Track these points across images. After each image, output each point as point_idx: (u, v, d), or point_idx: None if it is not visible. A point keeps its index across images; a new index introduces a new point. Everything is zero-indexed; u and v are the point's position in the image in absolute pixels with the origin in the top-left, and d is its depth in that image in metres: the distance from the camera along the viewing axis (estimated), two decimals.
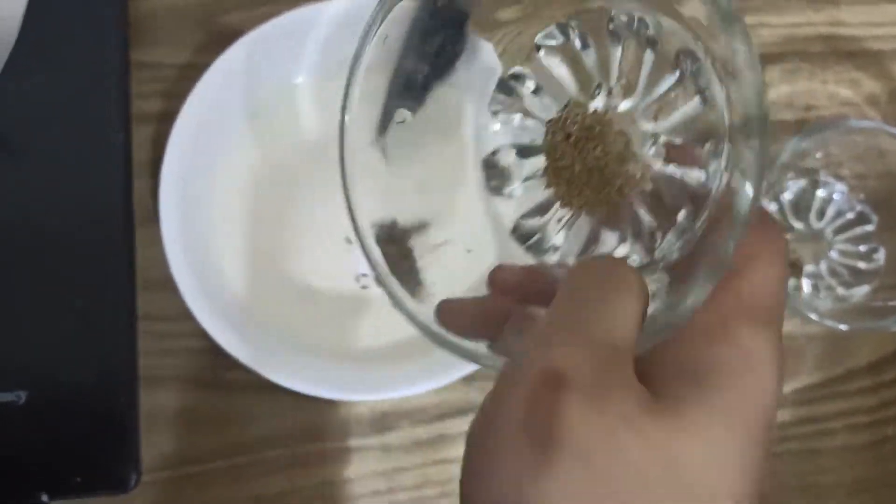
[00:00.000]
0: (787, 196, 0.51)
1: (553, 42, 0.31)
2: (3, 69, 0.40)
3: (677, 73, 0.28)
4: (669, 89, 0.28)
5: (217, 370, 0.47)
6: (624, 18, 0.29)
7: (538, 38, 0.31)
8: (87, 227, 0.40)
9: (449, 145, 0.36)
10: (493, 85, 0.32)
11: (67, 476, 0.38)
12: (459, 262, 0.31)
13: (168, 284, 0.45)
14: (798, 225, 0.51)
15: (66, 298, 0.39)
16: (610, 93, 0.30)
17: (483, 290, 0.30)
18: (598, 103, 0.30)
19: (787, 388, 0.50)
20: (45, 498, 0.38)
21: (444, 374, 0.42)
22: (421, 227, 0.32)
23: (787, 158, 0.46)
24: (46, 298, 0.39)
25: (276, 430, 0.47)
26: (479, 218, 0.32)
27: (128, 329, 0.40)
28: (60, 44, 0.42)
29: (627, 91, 0.30)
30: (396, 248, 0.31)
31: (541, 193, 0.31)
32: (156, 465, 0.46)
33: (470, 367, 0.42)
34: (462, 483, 0.21)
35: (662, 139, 0.29)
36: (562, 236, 0.31)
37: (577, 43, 0.31)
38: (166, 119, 0.48)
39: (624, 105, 0.30)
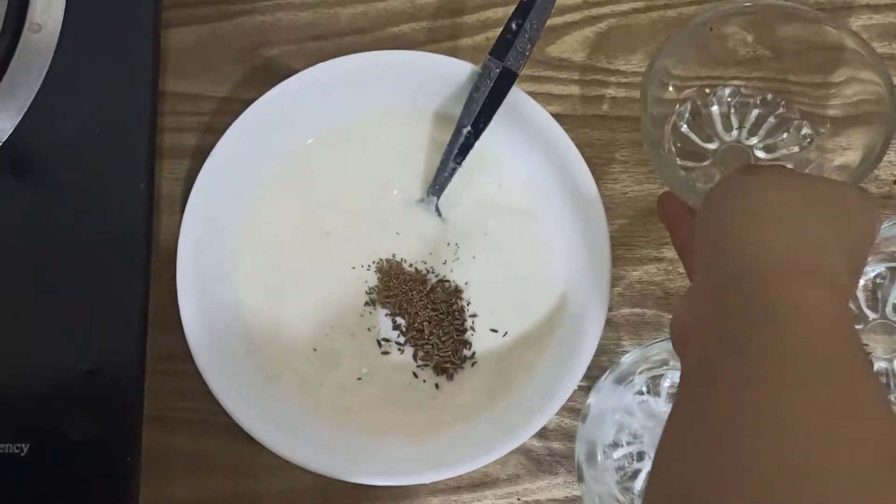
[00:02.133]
0: (861, 282, 0.45)
1: None
2: (32, 103, 0.40)
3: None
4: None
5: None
6: None
7: None
8: (102, 268, 0.40)
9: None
10: None
11: None
12: None
13: None
14: (872, 315, 0.45)
15: (76, 350, 0.38)
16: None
17: None
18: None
19: None
20: None
21: (467, 460, 0.40)
22: None
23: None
24: (56, 349, 0.39)
25: (291, 487, 0.45)
26: None
27: (135, 382, 0.39)
28: (89, 78, 0.41)
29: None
30: None
31: None
32: None
33: (487, 459, 0.40)
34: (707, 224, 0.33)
35: None
36: None
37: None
38: (201, 155, 0.46)
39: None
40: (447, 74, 0.42)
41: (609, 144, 0.48)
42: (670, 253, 0.47)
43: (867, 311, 0.46)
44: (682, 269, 0.47)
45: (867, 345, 0.45)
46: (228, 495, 0.45)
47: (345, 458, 0.40)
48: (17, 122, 0.40)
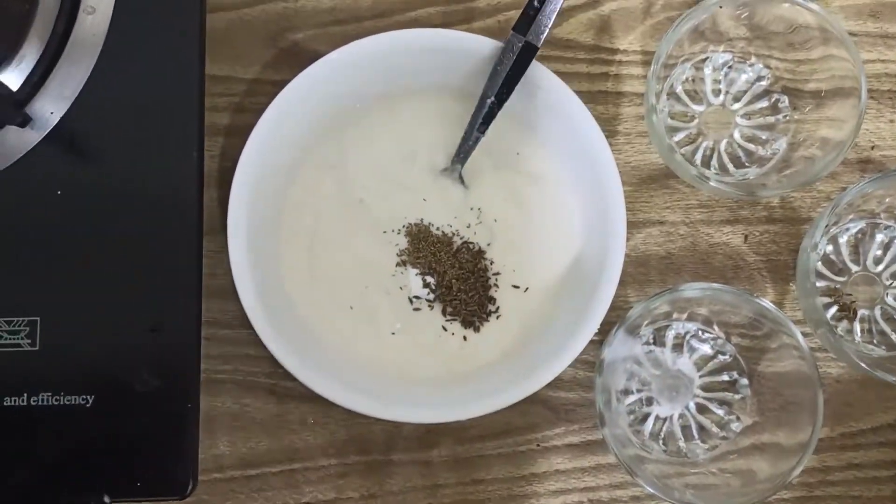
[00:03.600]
0: (844, 237, 0.50)
1: None
2: (86, 82, 0.42)
3: None
4: None
5: (274, 378, 0.49)
6: None
7: None
8: (159, 239, 0.42)
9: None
10: None
11: (128, 479, 0.40)
12: None
13: (229, 293, 0.47)
14: (855, 268, 0.50)
15: (137, 308, 0.41)
16: None
17: None
18: None
19: (834, 432, 0.50)
20: (106, 499, 0.40)
21: (487, 402, 0.43)
22: None
23: (850, 199, 0.46)
24: (119, 308, 0.41)
25: (328, 440, 0.49)
26: None
27: (192, 340, 0.42)
28: (141, 59, 0.43)
29: None
30: None
31: None
32: (212, 465, 0.48)
33: (513, 398, 0.43)
34: None
35: None
36: None
37: None
38: (234, 133, 0.49)
39: None
40: (469, 51, 0.45)
41: (613, 118, 0.52)
42: (672, 216, 0.51)
43: (850, 265, 0.50)
44: (681, 232, 0.51)
45: (850, 294, 0.50)
46: (270, 450, 0.49)
47: (381, 399, 0.43)
48: (71, 102, 0.42)
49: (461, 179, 0.48)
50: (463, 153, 0.47)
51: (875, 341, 0.49)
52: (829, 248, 0.50)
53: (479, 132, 0.46)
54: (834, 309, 0.49)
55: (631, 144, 0.51)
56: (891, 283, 0.50)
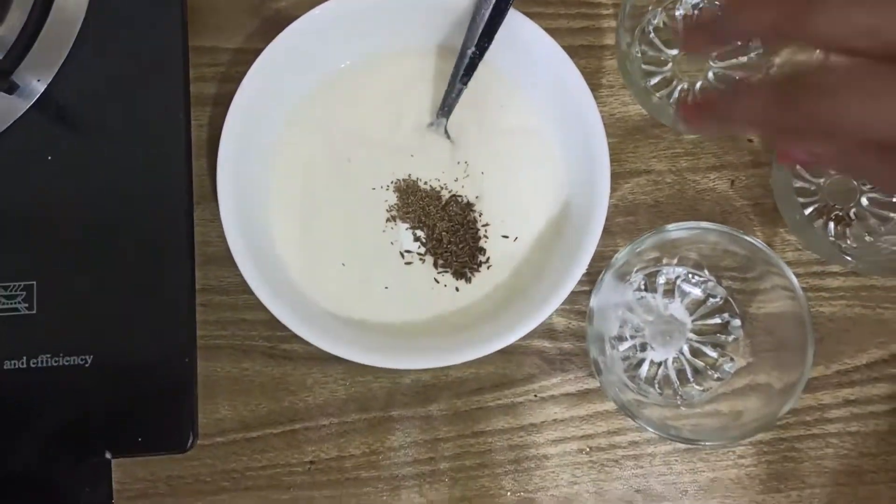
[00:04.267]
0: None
1: None
2: (70, 50, 0.43)
3: None
4: None
5: (272, 341, 0.49)
6: None
7: None
8: (149, 202, 0.43)
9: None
10: None
11: (129, 435, 0.41)
12: None
13: (223, 260, 0.48)
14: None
15: (131, 270, 0.42)
16: None
17: None
18: None
19: (830, 369, 0.50)
20: (108, 455, 0.41)
21: (483, 346, 0.43)
22: None
23: None
24: (112, 270, 0.42)
25: (327, 400, 0.49)
26: None
27: (187, 298, 0.43)
28: (125, 27, 0.44)
29: None
30: None
31: None
32: (214, 429, 0.49)
33: (506, 341, 0.44)
34: None
35: None
36: None
37: None
38: (221, 102, 0.50)
39: None
40: (447, 6, 0.46)
41: (596, 72, 0.52)
42: (658, 165, 0.51)
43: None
44: (668, 180, 0.51)
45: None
46: (270, 412, 0.49)
47: (378, 350, 0.44)
48: (57, 70, 0.43)
49: (446, 133, 0.48)
50: (447, 106, 0.47)
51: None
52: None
53: (461, 83, 0.46)
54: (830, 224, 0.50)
55: (615, 97, 0.52)
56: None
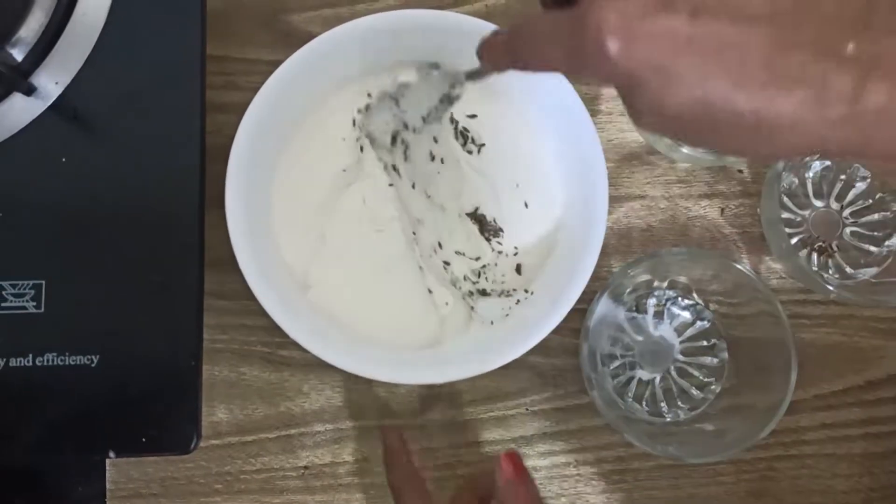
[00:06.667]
0: (810, 174, 0.53)
1: None
2: (90, 55, 0.43)
3: None
4: None
5: (270, 347, 0.50)
6: None
7: None
8: (162, 207, 0.43)
9: None
10: None
11: (133, 435, 0.41)
12: None
13: (225, 265, 0.48)
14: (818, 203, 0.53)
15: (140, 272, 0.42)
16: None
17: None
18: None
19: (808, 393, 0.52)
20: (112, 454, 0.41)
21: (482, 364, 0.45)
22: None
23: None
24: (121, 272, 0.42)
25: (324, 407, 0.50)
26: None
27: (195, 302, 0.43)
28: (145, 34, 0.44)
29: None
30: None
31: None
32: (209, 432, 0.49)
33: (503, 360, 0.45)
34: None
35: None
36: None
37: None
38: (227, 110, 0.51)
39: None
40: (462, 30, 0.47)
41: (595, 98, 0.54)
42: (652, 191, 0.53)
43: (814, 201, 0.53)
44: (661, 206, 0.53)
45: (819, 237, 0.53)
46: (266, 417, 0.50)
47: (371, 363, 0.45)
48: (75, 73, 0.43)
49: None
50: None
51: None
52: (795, 180, 0.53)
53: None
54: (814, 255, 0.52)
55: (613, 123, 0.54)
56: (849, 220, 0.52)
